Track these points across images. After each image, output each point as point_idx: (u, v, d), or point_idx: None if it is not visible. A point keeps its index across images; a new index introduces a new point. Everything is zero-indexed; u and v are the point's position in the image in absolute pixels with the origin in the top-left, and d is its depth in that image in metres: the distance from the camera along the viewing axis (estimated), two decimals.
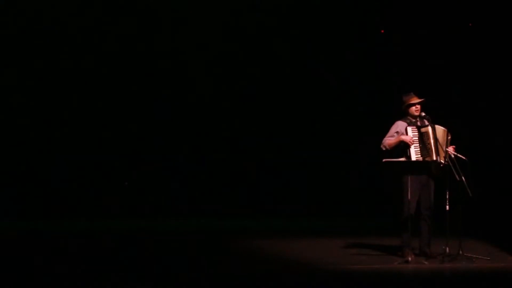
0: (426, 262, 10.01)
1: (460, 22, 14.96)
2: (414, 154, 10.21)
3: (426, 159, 10.17)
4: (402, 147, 10.28)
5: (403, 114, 10.48)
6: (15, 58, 14.89)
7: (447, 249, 10.11)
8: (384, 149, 10.37)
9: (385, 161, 10.07)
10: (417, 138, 10.24)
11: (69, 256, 10.98)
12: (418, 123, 10.35)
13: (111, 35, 15.01)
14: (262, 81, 15.38)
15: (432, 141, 10.16)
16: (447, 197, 10.08)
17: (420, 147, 10.22)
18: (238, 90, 15.33)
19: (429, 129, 10.20)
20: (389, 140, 10.35)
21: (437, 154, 10.16)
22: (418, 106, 10.38)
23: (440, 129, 10.28)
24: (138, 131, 15.22)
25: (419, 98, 10.40)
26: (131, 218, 14.76)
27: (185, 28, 15.16)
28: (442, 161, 10.13)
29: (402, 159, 10.24)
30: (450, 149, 10.26)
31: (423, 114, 10.35)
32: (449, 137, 10.35)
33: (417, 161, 10.16)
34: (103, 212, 14.78)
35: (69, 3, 14.93)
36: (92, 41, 14.98)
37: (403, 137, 10.27)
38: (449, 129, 10.33)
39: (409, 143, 10.20)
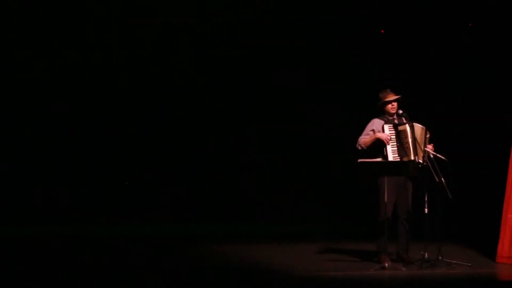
0: (403, 268, 9.82)
1: (460, 22, 14.88)
2: (391, 153, 9.94)
3: (404, 159, 9.92)
4: (379, 146, 10.01)
5: (380, 112, 10.24)
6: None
7: (426, 254, 9.94)
8: (359, 148, 10.14)
9: (360, 161, 9.82)
10: (394, 136, 9.98)
11: (64, 259, 11.06)
12: (396, 121, 10.11)
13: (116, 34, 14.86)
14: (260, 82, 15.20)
15: (410, 139, 9.92)
16: (426, 199, 9.89)
17: (397, 146, 9.96)
18: (235, 90, 15.15)
19: (407, 127, 9.94)
20: (365, 138, 10.10)
21: (415, 153, 9.91)
22: (395, 104, 10.15)
23: (418, 127, 10.06)
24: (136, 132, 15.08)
25: (396, 95, 10.17)
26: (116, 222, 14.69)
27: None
28: (421, 161, 9.91)
29: (379, 159, 9.99)
30: (429, 148, 10.09)
31: (401, 111, 10.11)
32: (428, 135, 10.16)
33: (394, 161, 9.90)
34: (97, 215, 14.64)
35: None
36: (92, 41, 14.77)
37: (379, 135, 10.00)
38: (429, 127, 10.14)
39: (385, 141, 9.95)
